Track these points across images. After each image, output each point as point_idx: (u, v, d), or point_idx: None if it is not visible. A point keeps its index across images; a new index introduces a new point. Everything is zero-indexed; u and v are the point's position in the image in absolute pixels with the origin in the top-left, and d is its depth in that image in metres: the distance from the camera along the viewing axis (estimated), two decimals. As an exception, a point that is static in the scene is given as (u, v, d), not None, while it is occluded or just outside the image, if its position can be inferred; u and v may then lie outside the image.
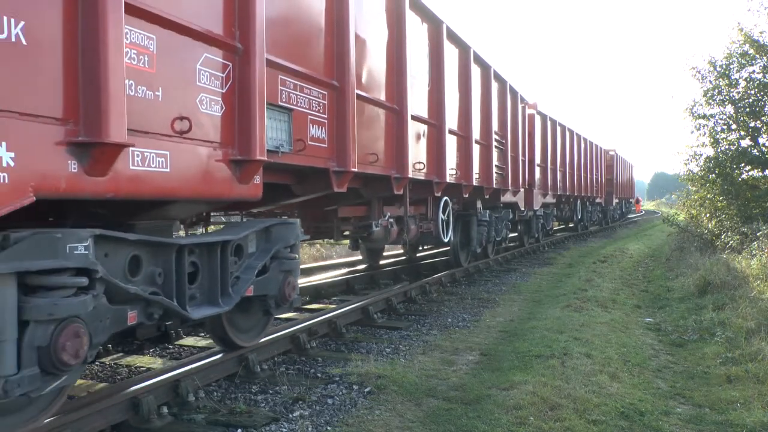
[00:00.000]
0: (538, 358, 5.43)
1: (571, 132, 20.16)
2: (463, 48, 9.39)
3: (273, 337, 5.40)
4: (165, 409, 3.91)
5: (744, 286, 8.26)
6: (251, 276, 4.56)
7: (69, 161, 2.86)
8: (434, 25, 8.17)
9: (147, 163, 3.29)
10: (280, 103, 4.57)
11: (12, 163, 2.59)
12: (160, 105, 3.38)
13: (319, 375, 4.98)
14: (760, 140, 15.99)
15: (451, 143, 8.67)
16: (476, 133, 9.92)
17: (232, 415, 4.01)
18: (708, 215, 15.57)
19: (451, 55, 8.78)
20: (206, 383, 4.44)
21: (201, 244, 4.16)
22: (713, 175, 15.91)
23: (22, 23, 2.64)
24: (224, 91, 3.92)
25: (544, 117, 16.41)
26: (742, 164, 15.98)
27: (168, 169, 3.43)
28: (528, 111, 14.29)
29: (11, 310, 2.77)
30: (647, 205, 67.82)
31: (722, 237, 13.28)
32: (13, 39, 2.61)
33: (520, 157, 13.19)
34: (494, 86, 11.09)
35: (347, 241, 9.87)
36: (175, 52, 3.50)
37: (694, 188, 17.03)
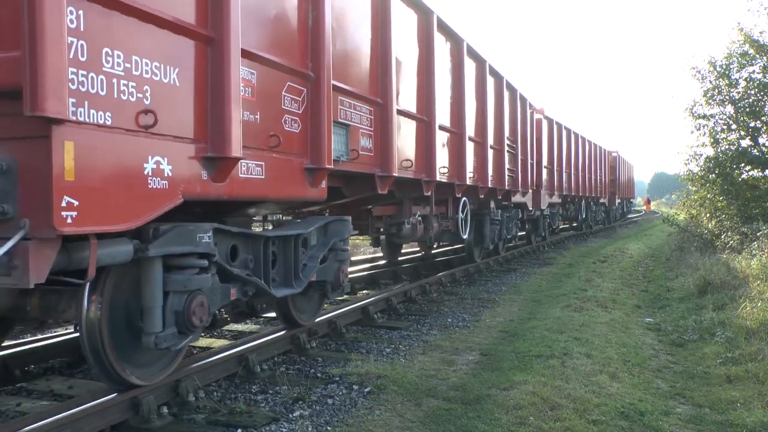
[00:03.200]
0: (538, 358, 5.42)
1: (576, 135, 20.96)
2: (480, 62, 10.23)
3: (273, 337, 5.41)
4: (165, 409, 3.91)
5: (744, 286, 8.22)
6: (316, 264, 5.48)
7: (202, 171, 3.71)
8: (456, 43, 9.01)
9: (250, 171, 4.16)
10: (340, 120, 5.43)
11: (170, 174, 3.43)
12: (258, 126, 4.26)
13: (319, 375, 4.97)
14: (760, 140, 15.93)
15: (469, 149, 9.45)
16: (491, 138, 10.72)
17: (232, 415, 4.00)
18: (708, 215, 15.53)
19: (469, 68, 9.57)
20: (206, 383, 4.43)
21: (280, 237, 5.06)
22: (713, 175, 15.84)
23: (177, 69, 3.50)
24: (300, 112, 4.80)
25: (550, 121, 17.13)
26: (742, 164, 15.93)
27: (263, 176, 4.30)
28: (536, 116, 15.06)
29: (159, 283, 3.67)
30: (643, 205, 67.77)
31: (722, 237, 13.24)
32: (172, 82, 3.48)
33: (529, 160, 13.85)
34: (506, 95, 11.89)
35: (368, 240, 10.66)
36: (268, 83, 4.37)
37: (694, 188, 16.97)
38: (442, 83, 8.22)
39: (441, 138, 8.18)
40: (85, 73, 2.90)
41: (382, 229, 8.78)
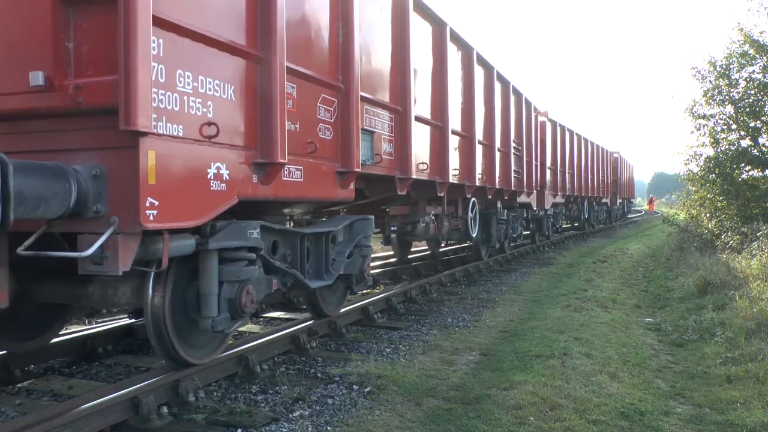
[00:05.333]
0: (538, 358, 5.46)
1: (579, 136, 21.66)
2: (488, 68, 10.91)
3: (273, 337, 5.44)
4: (165, 409, 4.00)
5: (744, 286, 8.27)
6: (343, 259, 6.06)
7: (253, 175, 4.28)
8: (466, 51, 9.66)
9: (291, 175, 4.75)
10: (365, 128, 6.02)
11: (228, 177, 4.01)
12: (298, 134, 4.80)
13: (319, 375, 5.01)
14: (760, 140, 16.02)
15: (479, 152, 10.12)
16: (498, 141, 11.44)
17: (232, 415, 4.05)
18: (708, 215, 15.59)
19: (478, 75, 10.25)
20: (206, 383, 4.45)
21: (313, 234, 5.61)
22: (713, 175, 15.95)
23: (234, 86, 4.09)
24: (333, 121, 5.39)
25: (554, 123, 17.81)
26: (742, 164, 15.99)
27: (302, 179, 4.89)
28: (540, 119, 15.70)
29: (215, 273, 4.19)
30: (646, 205, 67.74)
31: (722, 237, 13.31)
32: (229, 97, 4.06)
33: (534, 162, 14.65)
34: (512, 99, 12.57)
35: (378, 238, 11.27)
36: (306, 96, 4.94)
37: (694, 188, 17.07)
38: (454, 90, 8.87)
39: (453, 142, 8.82)
40: (163, 92, 3.50)
41: (396, 228, 9.44)
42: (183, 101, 3.63)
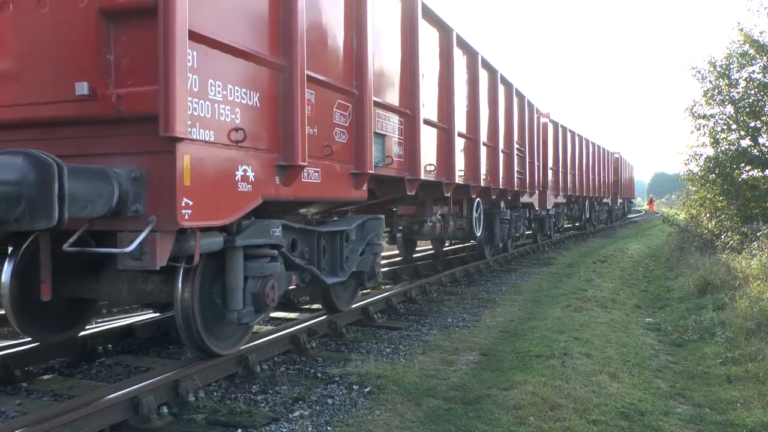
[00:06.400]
0: (538, 358, 5.48)
1: (580, 137, 22.09)
2: (492, 72, 11.35)
3: (273, 337, 5.47)
4: (165, 409, 4.02)
5: (744, 286, 8.30)
6: (356, 256, 6.40)
7: (275, 177, 4.60)
8: (472, 56, 10.04)
9: (310, 176, 5.05)
10: (377, 131, 6.32)
11: (253, 179, 4.32)
12: (316, 137, 5.13)
13: (319, 375, 5.03)
14: (760, 140, 16.14)
15: (483, 153, 10.49)
16: (502, 143, 11.77)
17: (232, 415, 4.07)
18: (708, 215, 15.66)
19: (483, 79, 10.62)
20: (206, 383, 4.46)
21: (328, 232, 5.95)
22: (713, 175, 16.03)
23: (259, 94, 4.42)
24: (347, 125, 5.72)
25: (555, 124, 18.18)
26: (742, 164, 16.05)
27: (319, 180, 5.20)
28: (542, 120, 16.03)
29: (241, 269, 4.52)
30: (646, 205, 67.71)
31: (722, 237, 13.37)
32: (255, 104, 4.37)
33: (536, 162, 15.07)
34: (515, 101, 12.98)
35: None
36: (323, 101, 5.27)
37: (694, 188, 17.16)
38: (459, 93, 9.21)
39: (459, 144, 9.15)
40: (197, 100, 3.81)
41: (403, 227, 9.83)
42: (214, 108, 3.96)
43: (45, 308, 4.83)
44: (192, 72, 3.72)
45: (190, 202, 3.72)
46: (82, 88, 3.66)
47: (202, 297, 4.51)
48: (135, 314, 6.84)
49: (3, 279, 4.67)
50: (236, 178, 4.14)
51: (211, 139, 3.92)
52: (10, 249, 4.73)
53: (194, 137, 3.75)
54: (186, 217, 3.69)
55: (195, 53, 3.75)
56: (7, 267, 4.66)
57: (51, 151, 3.41)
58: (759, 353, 5.58)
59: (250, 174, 4.28)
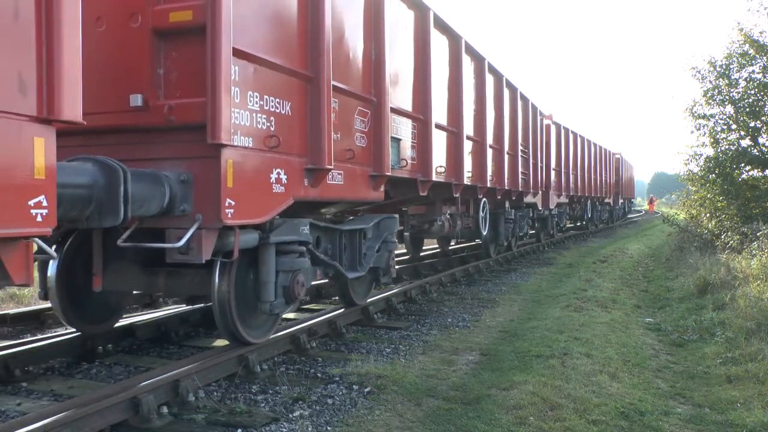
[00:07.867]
0: (538, 358, 5.50)
1: (582, 138, 22.63)
2: (498, 76, 11.86)
3: (273, 337, 5.46)
4: (165, 409, 4.05)
5: (744, 286, 8.32)
6: (373, 253, 6.89)
7: (304, 179, 5.08)
8: (479, 62, 10.55)
9: (334, 179, 5.53)
10: (393, 135, 6.79)
11: (285, 181, 4.79)
12: (339, 142, 5.61)
13: (319, 375, 5.06)
14: (760, 140, 16.30)
15: (489, 155, 10.98)
16: (507, 145, 12.33)
17: (232, 415, 4.10)
18: (708, 215, 15.75)
19: (489, 83, 11.15)
20: (206, 383, 4.47)
21: (348, 230, 6.41)
22: (713, 175, 16.16)
23: (290, 103, 4.90)
24: (366, 130, 6.21)
25: (558, 126, 18.69)
26: (742, 164, 16.13)
27: (342, 182, 5.67)
28: (545, 122, 16.47)
29: (273, 264, 4.94)
30: (646, 205, 67.71)
31: (722, 237, 13.44)
32: (287, 113, 4.85)
33: (539, 163, 15.63)
34: (519, 104, 13.56)
35: None
36: (345, 109, 5.77)
37: (694, 188, 17.26)
38: (467, 98, 9.73)
39: (467, 146, 9.68)
40: (238, 111, 4.26)
41: (413, 226, 10.21)
42: (252, 117, 4.43)
43: (87, 301, 5.32)
44: (234, 85, 4.18)
45: (233, 202, 4.17)
46: (137, 99, 4.12)
47: (237, 289, 4.90)
48: (135, 314, 6.85)
49: (50, 274, 5.11)
50: (271, 181, 4.61)
51: (250, 145, 4.39)
52: (54, 246, 5.08)
53: (236, 144, 4.22)
54: (229, 215, 4.15)
55: (237, 68, 4.22)
56: (53, 263, 5.09)
57: (112, 155, 3.83)
58: (759, 353, 5.63)
59: (283, 177, 4.76)
